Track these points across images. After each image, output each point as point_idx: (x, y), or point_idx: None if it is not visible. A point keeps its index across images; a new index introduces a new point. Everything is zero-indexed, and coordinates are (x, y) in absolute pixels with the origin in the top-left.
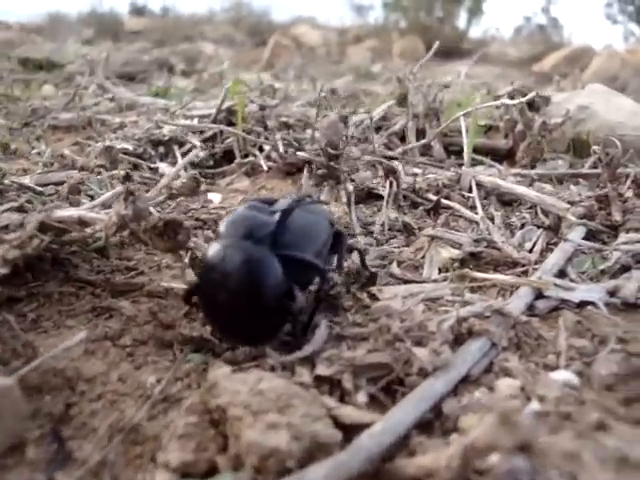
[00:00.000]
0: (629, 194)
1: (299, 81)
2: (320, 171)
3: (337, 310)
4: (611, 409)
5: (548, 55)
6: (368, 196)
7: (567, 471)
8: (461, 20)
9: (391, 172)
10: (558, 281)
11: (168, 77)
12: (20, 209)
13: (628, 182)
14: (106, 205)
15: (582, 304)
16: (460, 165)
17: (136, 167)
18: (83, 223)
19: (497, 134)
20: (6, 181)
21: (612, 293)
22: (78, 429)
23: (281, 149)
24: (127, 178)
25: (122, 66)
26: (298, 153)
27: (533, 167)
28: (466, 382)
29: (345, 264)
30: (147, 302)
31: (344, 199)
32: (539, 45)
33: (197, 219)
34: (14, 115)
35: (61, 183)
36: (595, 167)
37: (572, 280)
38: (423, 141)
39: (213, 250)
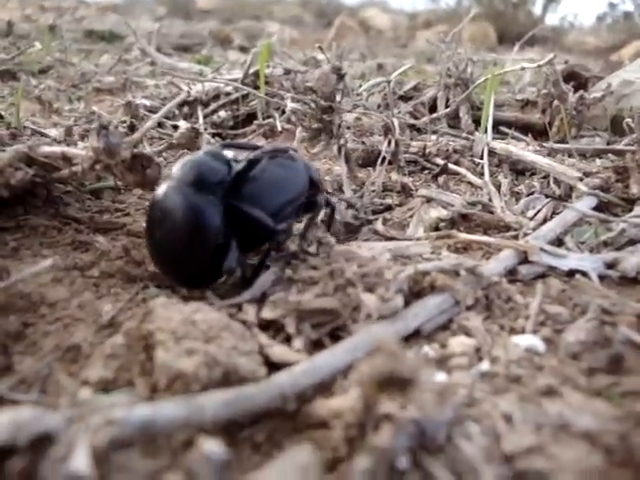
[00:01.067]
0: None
1: (360, 60)
2: (314, 125)
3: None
4: (570, 377)
5: (629, 44)
6: (376, 159)
7: (491, 428)
8: (537, 7)
9: (388, 130)
10: (547, 247)
11: (223, 51)
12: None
13: None
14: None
15: (572, 273)
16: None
17: (160, 125)
18: (67, 159)
19: (535, 109)
20: (24, 128)
21: (610, 265)
22: (28, 346)
23: (289, 106)
24: (131, 128)
25: (179, 38)
26: (291, 105)
27: (566, 142)
28: (418, 336)
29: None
30: (124, 240)
31: (336, 153)
32: (621, 34)
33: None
34: (64, 78)
35: (69, 127)
36: (631, 144)
37: (568, 249)
38: (447, 110)
39: (158, 191)
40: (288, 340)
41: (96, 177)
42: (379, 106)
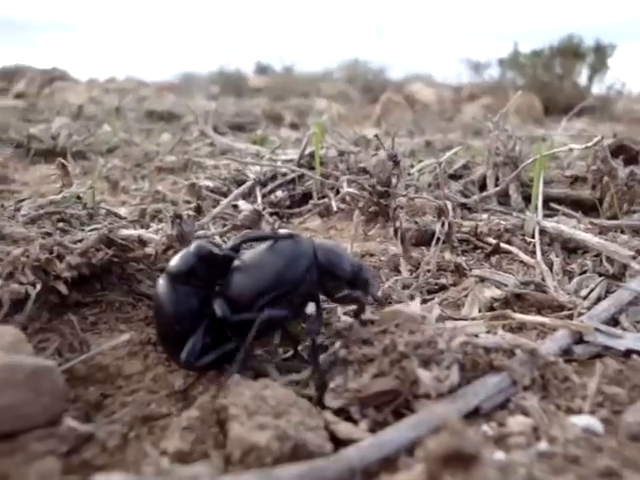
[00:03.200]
0: None
1: (408, 137)
2: (371, 208)
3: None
4: (631, 459)
5: None
6: (431, 238)
7: None
8: (583, 76)
9: (442, 213)
10: (602, 327)
11: (275, 128)
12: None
13: None
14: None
15: (629, 353)
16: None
17: (220, 204)
18: (142, 242)
19: (584, 185)
20: (100, 209)
21: None
22: (107, 416)
23: (346, 188)
24: (198, 210)
25: (233, 117)
26: (348, 190)
27: (617, 219)
28: (477, 415)
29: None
30: None
31: (393, 235)
32: None
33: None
34: (129, 157)
35: (142, 209)
36: None
37: (624, 328)
38: (497, 188)
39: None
40: (351, 417)
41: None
42: (430, 185)
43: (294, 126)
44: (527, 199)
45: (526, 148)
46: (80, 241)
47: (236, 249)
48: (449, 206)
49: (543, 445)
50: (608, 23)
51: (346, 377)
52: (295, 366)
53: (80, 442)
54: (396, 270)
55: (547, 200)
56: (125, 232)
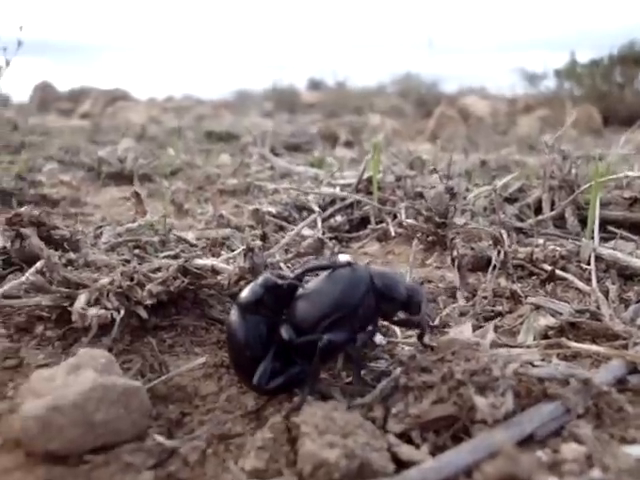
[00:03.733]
0: None
1: (463, 152)
2: (429, 238)
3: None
4: None
5: None
6: (487, 264)
7: None
8: None
9: (496, 241)
10: None
11: (330, 148)
12: (175, 257)
13: None
14: (232, 260)
15: None
16: (591, 238)
17: (281, 228)
18: (215, 271)
19: None
20: (171, 235)
21: None
22: (187, 433)
23: (404, 217)
24: (263, 237)
25: (289, 137)
26: (407, 221)
27: None
28: (531, 441)
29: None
30: None
31: (450, 263)
32: None
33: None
34: (192, 180)
35: (214, 238)
36: None
37: None
38: (553, 212)
39: None
40: (412, 440)
41: None
42: (486, 209)
43: (349, 144)
44: (584, 222)
45: (583, 168)
46: (158, 269)
47: (299, 279)
48: (504, 235)
49: (596, 473)
50: None
51: (407, 403)
52: (358, 390)
53: (164, 456)
54: (453, 297)
55: (605, 223)
56: (200, 262)
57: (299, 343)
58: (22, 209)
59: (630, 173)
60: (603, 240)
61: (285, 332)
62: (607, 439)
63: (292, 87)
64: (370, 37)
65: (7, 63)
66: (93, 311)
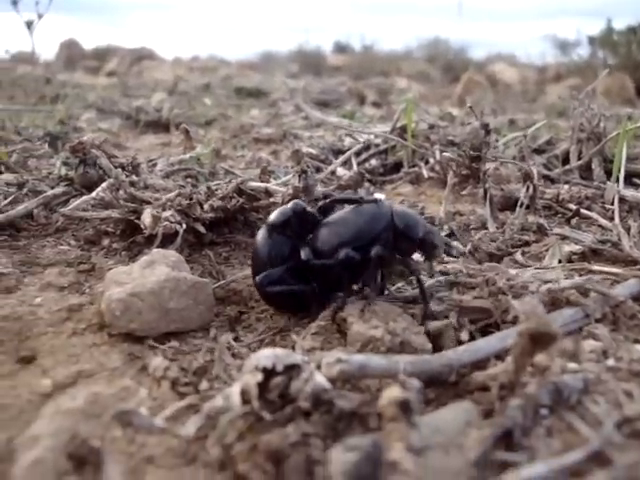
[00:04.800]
0: None
1: (491, 115)
2: (464, 171)
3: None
4: None
5: None
6: (515, 204)
7: (614, 399)
8: None
9: (527, 177)
10: None
11: (359, 106)
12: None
13: None
14: (285, 184)
15: None
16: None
17: (318, 170)
18: (268, 193)
19: None
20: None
21: None
22: (245, 328)
23: (438, 157)
24: (304, 172)
25: (319, 94)
26: (444, 154)
27: None
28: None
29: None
30: None
31: (482, 197)
32: None
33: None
34: (226, 129)
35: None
36: None
37: None
38: (580, 162)
39: None
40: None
41: None
42: (514, 158)
43: (376, 104)
44: (609, 174)
45: (611, 125)
46: (215, 191)
47: (326, 208)
48: (534, 171)
49: (611, 361)
50: None
51: (451, 292)
52: (398, 296)
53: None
54: (484, 228)
55: (631, 175)
56: (254, 184)
57: (315, 264)
58: (85, 137)
59: None
60: (628, 188)
61: (304, 253)
62: (621, 339)
63: (318, 50)
64: (398, 0)
65: (39, 16)
66: (149, 220)
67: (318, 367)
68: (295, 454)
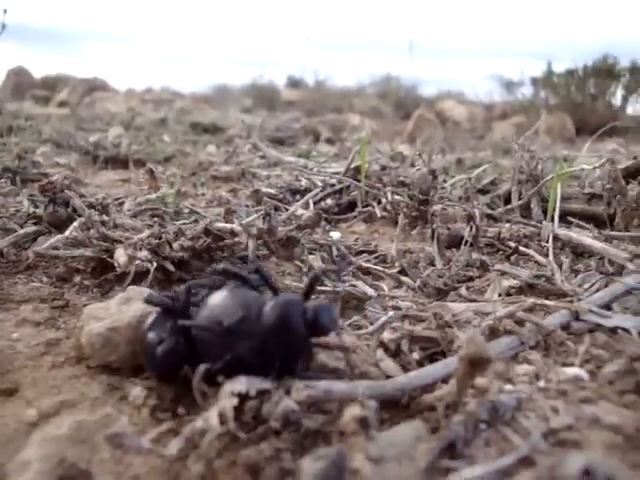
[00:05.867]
0: None
1: (440, 152)
2: (413, 213)
3: None
4: (605, 394)
5: None
6: (460, 242)
7: (542, 415)
8: (617, 97)
9: (470, 218)
10: (596, 309)
11: (313, 143)
12: (194, 222)
13: None
14: (248, 224)
15: (616, 329)
16: (551, 221)
17: (276, 208)
18: (233, 233)
19: (600, 202)
20: (182, 207)
21: None
22: None
23: (390, 198)
24: (268, 214)
25: (274, 131)
26: (395, 197)
27: (627, 231)
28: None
29: None
30: None
31: (430, 237)
32: None
33: (316, 243)
34: (185, 166)
35: (219, 213)
36: None
37: (615, 312)
38: (520, 202)
39: None
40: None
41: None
42: (460, 198)
43: (330, 141)
44: (547, 212)
45: (549, 166)
46: (181, 231)
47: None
48: (477, 213)
49: (541, 383)
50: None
51: (403, 324)
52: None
53: None
54: (432, 264)
55: (565, 214)
56: (220, 225)
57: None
58: (54, 177)
59: (585, 166)
60: (562, 227)
61: None
62: (552, 363)
63: (272, 84)
64: (351, 37)
65: None
66: (124, 259)
67: (287, 392)
68: (269, 467)
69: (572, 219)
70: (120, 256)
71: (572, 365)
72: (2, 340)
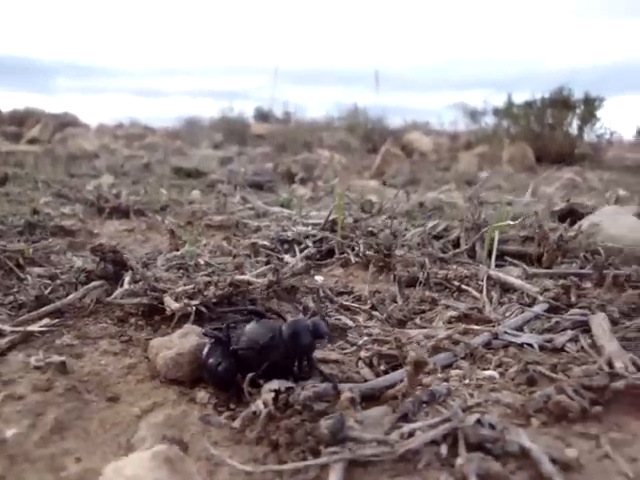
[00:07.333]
0: (587, 285)
1: (407, 188)
2: (380, 263)
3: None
4: (507, 386)
5: None
6: (416, 282)
7: (463, 398)
8: (574, 127)
9: (423, 265)
10: (510, 331)
11: (288, 185)
12: (209, 275)
13: (609, 279)
14: (259, 275)
15: (524, 345)
16: (497, 265)
17: (268, 257)
18: (249, 283)
19: (532, 243)
20: (200, 260)
21: (548, 341)
22: None
23: (362, 249)
24: (276, 270)
25: (252, 176)
26: (367, 253)
27: (550, 268)
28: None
29: None
30: None
31: (393, 280)
32: None
33: (306, 287)
34: (180, 215)
35: (225, 262)
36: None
37: (524, 332)
38: (466, 247)
39: None
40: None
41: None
42: (419, 244)
43: (303, 181)
44: (490, 253)
45: (492, 214)
46: (210, 282)
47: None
48: (427, 261)
49: (466, 380)
50: (602, 71)
51: (374, 345)
52: None
53: None
54: (394, 301)
55: (504, 254)
56: (239, 277)
57: None
58: (102, 241)
59: (511, 222)
60: (500, 266)
61: None
62: (475, 368)
63: (241, 117)
64: (319, 69)
65: None
66: (176, 305)
67: (303, 388)
68: (299, 429)
69: (509, 258)
70: (170, 303)
71: (488, 369)
72: (96, 365)
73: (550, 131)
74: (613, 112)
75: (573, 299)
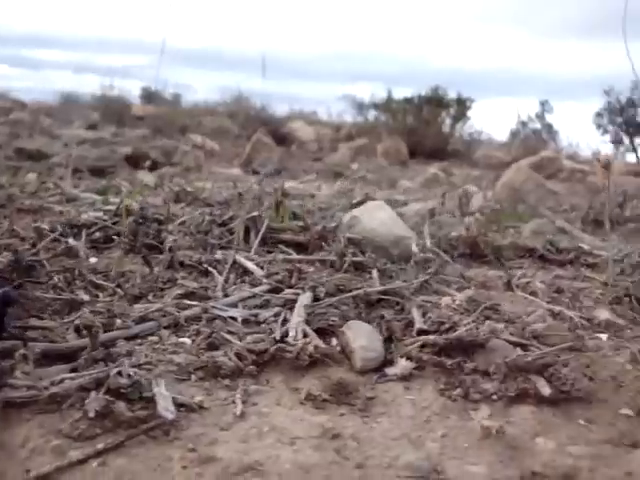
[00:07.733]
0: (311, 269)
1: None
2: (127, 247)
3: None
4: (189, 349)
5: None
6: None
7: None
8: (447, 124)
9: (203, 247)
10: (219, 306)
11: (134, 170)
12: None
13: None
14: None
15: (228, 318)
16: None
17: (55, 240)
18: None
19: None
20: None
21: (255, 315)
22: None
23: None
24: (34, 245)
25: (95, 160)
26: (122, 239)
27: (312, 254)
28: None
29: None
30: None
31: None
32: (528, 149)
33: (65, 267)
34: None
35: None
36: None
37: (237, 308)
38: (239, 234)
39: None
40: None
41: None
42: (199, 231)
43: (153, 167)
44: (264, 240)
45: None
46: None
47: None
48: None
49: (157, 346)
50: (478, 74)
51: (89, 316)
52: None
53: None
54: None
55: (280, 242)
56: None
57: None
58: None
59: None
60: (270, 252)
61: None
62: (172, 336)
63: (122, 97)
64: (207, 51)
65: None
66: None
67: None
68: None
69: (281, 246)
70: None
71: (184, 337)
72: None
73: (425, 127)
74: (486, 113)
75: (293, 281)
